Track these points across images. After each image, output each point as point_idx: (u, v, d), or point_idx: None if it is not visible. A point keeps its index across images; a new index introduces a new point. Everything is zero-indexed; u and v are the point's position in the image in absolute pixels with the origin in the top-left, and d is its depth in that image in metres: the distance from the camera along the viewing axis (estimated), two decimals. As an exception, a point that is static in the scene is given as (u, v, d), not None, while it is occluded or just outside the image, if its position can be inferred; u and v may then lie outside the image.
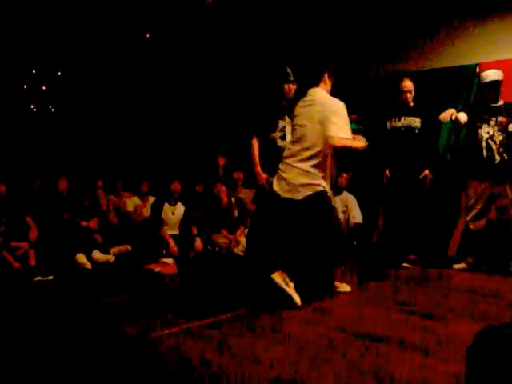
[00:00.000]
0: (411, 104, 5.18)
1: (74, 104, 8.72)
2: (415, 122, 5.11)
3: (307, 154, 3.48)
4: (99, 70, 8.14)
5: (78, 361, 2.40)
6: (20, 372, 2.28)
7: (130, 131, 8.42)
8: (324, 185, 3.51)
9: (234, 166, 6.72)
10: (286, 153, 3.67)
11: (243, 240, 5.58)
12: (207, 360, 2.32)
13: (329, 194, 3.57)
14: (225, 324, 2.97)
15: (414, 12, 6.18)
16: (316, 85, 3.63)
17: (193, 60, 7.74)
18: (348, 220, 6.00)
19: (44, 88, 8.75)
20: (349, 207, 5.98)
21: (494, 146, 4.74)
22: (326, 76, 3.65)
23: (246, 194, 6.48)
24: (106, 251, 5.58)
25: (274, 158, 3.96)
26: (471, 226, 4.87)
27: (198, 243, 5.91)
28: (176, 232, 6.14)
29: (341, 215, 5.96)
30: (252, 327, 2.89)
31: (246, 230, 5.46)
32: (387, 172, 5.32)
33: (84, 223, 5.64)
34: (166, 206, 6.19)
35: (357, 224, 5.96)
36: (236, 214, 6.33)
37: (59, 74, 8.49)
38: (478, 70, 5.87)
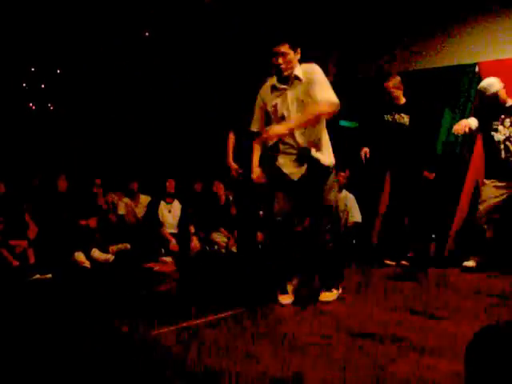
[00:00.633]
0: (401, 102, 5.19)
1: (73, 102, 8.71)
2: (403, 118, 5.14)
3: None
4: (98, 68, 8.13)
5: (76, 359, 2.39)
6: (19, 371, 2.28)
7: (129, 130, 8.41)
8: None
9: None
10: None
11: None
12: (205, 359, 2.32)
13: None
14: (223, 323, 2.97)
15: (413, 11, 6.17)
16: None
17: (191, 59, 7.73)
18: (347, 219, 5.99)
19: (43, 86, 8.74)
20: (348, 206, 5.98)
21: None
22: None
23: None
24: (105, 250, 5.58)
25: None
26: (481, 221, 4.74)
27: (195, 242, 5.90)
28: (173, 230, 6.13)
29: (340, 214, 5.97)
30: (250, 327, 2.89)
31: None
32: (364, 152, 5.27)
33: (83, 222, 5.63)
34: (162, 204, 6.19)
35: (356, 223, 5.96)
36: (234, 211, 6.33)
37: (58, 72, 8.48)
38: (477, 69, 5.87)
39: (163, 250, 5.86)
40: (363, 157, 5.27)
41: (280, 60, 3.22)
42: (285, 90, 3.31)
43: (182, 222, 6.15)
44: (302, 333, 2.74)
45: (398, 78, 5.23)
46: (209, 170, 7.10)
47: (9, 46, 7.36)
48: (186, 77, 7.86)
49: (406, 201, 5.17)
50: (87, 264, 5.23)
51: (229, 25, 6.99)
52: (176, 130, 8.06)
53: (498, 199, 4.65)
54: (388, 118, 5.25)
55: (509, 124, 4.68)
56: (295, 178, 3.36)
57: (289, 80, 3.29)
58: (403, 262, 5.12)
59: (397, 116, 5.18)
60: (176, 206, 6.26)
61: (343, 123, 4.97)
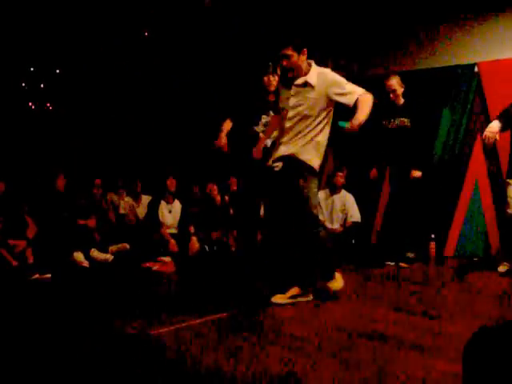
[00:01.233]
0: (401, 102, 5.20)
1: (72, 102, 8.70)
2: (405, 121, 5.15)
3: None
4: (98, 68, 8.13)
5: (75, 359, 2.39)
6: (19, 371, 2.28)
7: (129, 129, 8.40)
8: None
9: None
10: None
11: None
12: (204, 359, 2.32)
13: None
14: (222, 323, 2.97)
15: (412, 11, 6.17)
16: None
17: (191, 59, 7.73)
18: (346, 219, 5.99)
19: (42, 86, 8.73)
20: (347, 206, 5.97)
21: None
22: None
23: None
24: (104, 250, 5.57)
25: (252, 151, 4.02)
26: None
27: (194, 242, 5.90)
28: (173, 231, 6.13)
29: (339, 214, 5.97)
30: (249, 326, 2.89)
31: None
32: (375, 171, 5.44)
33: (82, 221, 5.62)
34: (163, 204, 6.18)
35: (355, 223, 5.96)
36: (232, 212, 6.34)
37: (58, 72, 8.47)
38: (476, 69, 5.88)
39: (162, 250, 5.85)
40: (372, 177, 5.41)
41: (284, 62, 3.36)
42: (296, 93, 3.43)
43: (182, 223, 6.14)
44: (302, 333, 2.74)
45: (398, 77, 5.24)
46: (204, 171, 7.12)
47: (8, 46, 7.36)
48: (186, 77, 7.86)
49: (404, 201, 5.17)
50: (86, 264, 5.22)
51: (228, 25, 6.99)
52: (175, 129, 8.05)
53: None
54: (386, 123, 5.25)
55: None
56: (275, 163, 3.51)
57: (304, 84, 3.40)
58: (402, 264, 5.12)
59: (397, 120, 5.18)
60: (176, 206, 6.26)
61: (342, 124, 4.95)
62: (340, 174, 6.00)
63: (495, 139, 4.38)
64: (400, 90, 5.18)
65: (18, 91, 8.53)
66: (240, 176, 4.33)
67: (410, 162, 5.13)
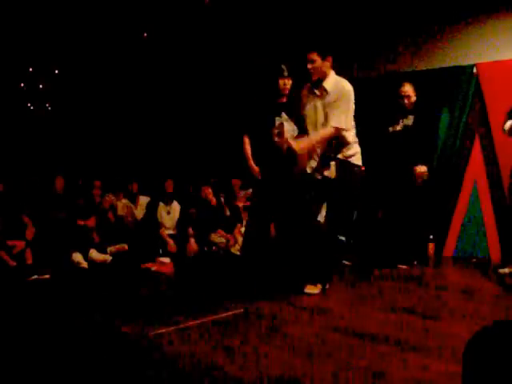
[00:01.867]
0: (409, 107, 5.21)
1: (71, 103, 8.70)
2: (409, 120, 5.16)
3: None
4: (97, 68, 8.12)
5: (73, 360, 2.39)
6: (18, 371, 2.27)
7: (128, 130, 8.40)
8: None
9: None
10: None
11: (240, 239, 5.59)
12: (204, 360, 2.32)
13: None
14: (222, 324, 2.97)
15: (411, 12, 6.18)
16: None
17: (190, 60, 7.72)
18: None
19: (41, 87, 8.72)
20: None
21: None
22: None
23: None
24: (103, 250, 5.56)
25: (269, 154, 4.07)
26: None
27: (193, 244, 5.89)
28: (172, 232, 6.12)
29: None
30: (249, 327, 2.89)
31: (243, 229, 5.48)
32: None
33: (81, 222, 5.61)
34: (161, 205, 6.18)
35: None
36: (228, 212, 6.34)
37: (56, 72, 8.47)
38: (475, 70, 5.88)
39: (161, 251, 5.85)
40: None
41: (309, 65, 3.66)
42: (317, 97, 3.74)
43: (181, 224, 6.13)
44: (301, 333, 2.74)
45: (412, 85, 5.24)
46: (198, 173, 7.13)
47: (7, 46, 7.35)
48: (183, 78, 7.86)
49: (402, 201, 5.17)
50: (85, 265, 5.21)
51: (229, 25, 6.99)
52: (174, 131, 8.05)
53: None
54: (394, 128, 5.24)
55: None
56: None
57: (320, 88, 3.70)
58: (401, 266, 5.11)
59: (404, 120, 5.19)
60: (175, 207, 6.25)
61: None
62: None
63: None
64: (413, 98, 5.18)
65: (17, 92, 8.53)
66: (256, 183, 4.31)
67: (415, 160, 5.12)
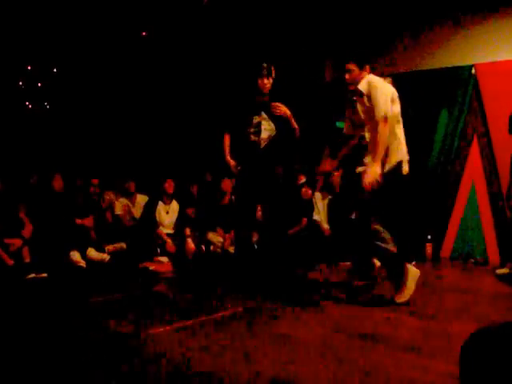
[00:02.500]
0: None
1: (69, 101, 8.68)
2: None
3: None
4: (95, 67, 8.11)
5: (70, 359, 2.39)
6: (13, 370, 2.27)
7: (126, 129, 8.39)
8: None
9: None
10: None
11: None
12: (201, 359, 2.31)
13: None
14: (219, 323, 2.97)
15: (411, 12, 6.18)
16: None
17: (188, 60, 7.72)
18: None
19: (40, 85, 8.71)
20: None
21: None
22: None
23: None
24: (100, 249, 5.55)
25: (245, 153, 4.17)
26: None
27: (190, 244, 5.88)
28: (170, 231, 6.11)
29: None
30: (246, 327, 2.89)
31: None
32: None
33: (79, 221, 5.60)
34: (160, 205, 6.16)
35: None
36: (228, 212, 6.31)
37: (55, 71, 8.45)
38: (473, 70, 5.89)
39: (159, 250, 5.84)
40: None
41: (347, 75, 3.66)
42: (355, 101, 3.69)
43: (179, 223, 6.12)
44: (300, 333, 2.74)
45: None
46: (215, 166, 7.08)
47: (5, 45, 7.34)
48: (183, 77, 7.85)
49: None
50: (83, 263, 5.20)
51: (225, 25, 6.99)
52: (173, 129, 8.05)
53: None
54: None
55: None
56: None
57: (357, 93, 3.65)
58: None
59: None
60: (174, 206, 6.23)
61: (339, 124, 4.99)
62: (336, 173, 6.00)
63: None
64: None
65: (16, 90, 8.52)
66: (238, 181, 4.38)
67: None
